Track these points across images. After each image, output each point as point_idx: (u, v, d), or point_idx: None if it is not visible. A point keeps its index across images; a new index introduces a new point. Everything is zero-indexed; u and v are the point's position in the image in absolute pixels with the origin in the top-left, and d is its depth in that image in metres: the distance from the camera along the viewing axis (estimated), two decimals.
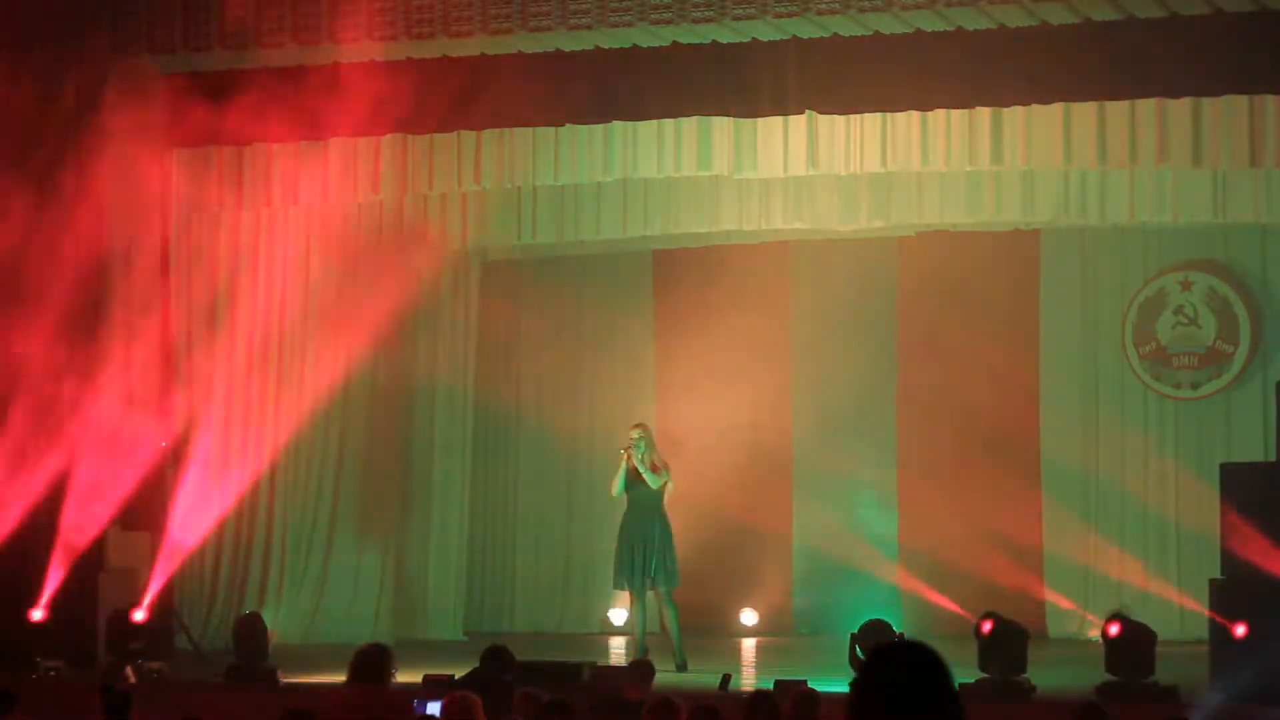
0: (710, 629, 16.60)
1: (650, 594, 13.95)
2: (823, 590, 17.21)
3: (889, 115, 13.49)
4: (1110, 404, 16.51)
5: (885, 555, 17.10)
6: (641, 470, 13.85)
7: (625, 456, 13.94)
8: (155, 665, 13.30)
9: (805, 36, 13.21)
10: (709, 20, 12.92)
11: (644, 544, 13.84)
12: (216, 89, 14.57)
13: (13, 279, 14.51)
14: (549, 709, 8.05)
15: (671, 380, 17.66)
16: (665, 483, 13.91)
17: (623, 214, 15.68)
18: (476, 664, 9.86)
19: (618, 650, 15.60)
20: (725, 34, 13.24)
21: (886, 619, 12.95)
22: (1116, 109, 12.97)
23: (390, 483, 16.60)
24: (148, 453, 14.38)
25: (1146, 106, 12.89)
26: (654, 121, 13.99)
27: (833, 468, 17.30)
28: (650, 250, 17.41)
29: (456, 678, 10.48)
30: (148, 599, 13.84)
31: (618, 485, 14.02)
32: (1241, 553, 11.86)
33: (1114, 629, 12.00)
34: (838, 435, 17.28)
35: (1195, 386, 16.23)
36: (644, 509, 13.91)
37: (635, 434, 14.03)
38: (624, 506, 14.07)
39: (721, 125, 13.87)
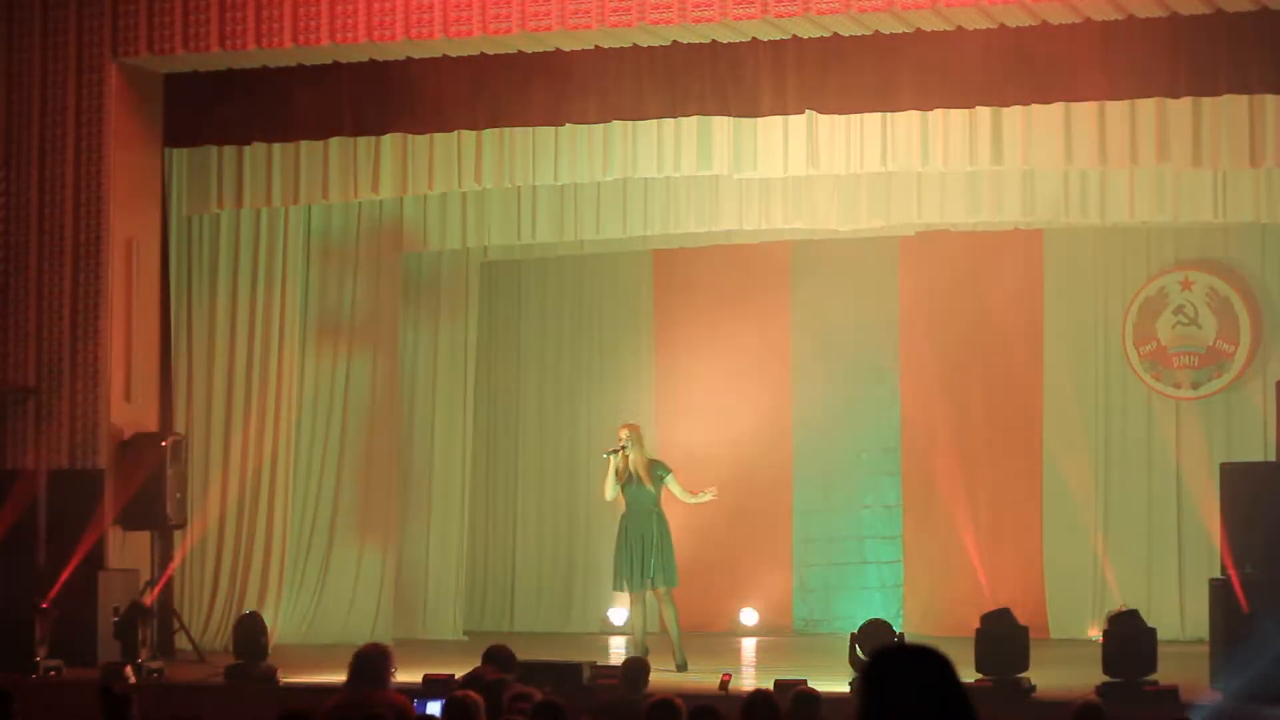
0: (710, 629, 16.60)
1: (650, 594, 13.96)
2: (823, 590, 17.21)
3: (889, 115, 13.48)
4: (1111, 403, 16.50)
5: (886, 555, 17.10)
6: (680, 495, 13.90)
7: (616, 459, 13.90)
8: (155, 665, 13.30)
9: (805, 36, 13.21)
10: (709, 20, 12.92)
11: (642, 544, 13.83)
12: (216, 89, 14.58)
13: (12, 278, 14.53)
14: (540, 709, 8.04)
15: (672, 380, 17.65)
16: (678, 488, 13.97)
17: (623, 214, 15.69)
18: (476, 664, 9.84)
19: (618, 650, 15.58)
20: (725, 34, 13.24)
21: (887, 619, 12.95)
22: (1116, 109, 12.97)
23: (390, 483, 16.59)
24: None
25: (1146, 106, 12.89)
26: (654, 121, 13.98)
27: (833, 466, 17.30)
28: (650, 250, 17.40)
29: (456, 678, 10.48)
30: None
31: (610, 489, 13.98)
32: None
33: (1114, 628, 12.02)
34: (838, 434, 17.28)
35: (1195, 386, 16.23)
36: (641, 509, 13.91)
37: (624, 435, 14.02)
38: (622, 507, 14.07)
39: (721, 125, 13.87)
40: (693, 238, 16.39)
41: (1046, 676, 12.29)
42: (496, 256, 17.49)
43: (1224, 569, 11.98)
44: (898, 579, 16.99)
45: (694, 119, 13.86)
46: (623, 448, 13.90)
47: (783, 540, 17.33)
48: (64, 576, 13.88)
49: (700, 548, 16.39)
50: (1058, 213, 14.87)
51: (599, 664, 12.48)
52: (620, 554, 13.93)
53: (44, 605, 13.48)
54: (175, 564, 14.70)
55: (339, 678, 9.02)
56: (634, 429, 14.10)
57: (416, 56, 13.93)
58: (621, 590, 14.16)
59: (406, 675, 10.43)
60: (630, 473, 13.91)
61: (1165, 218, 14.85)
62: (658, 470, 13.97)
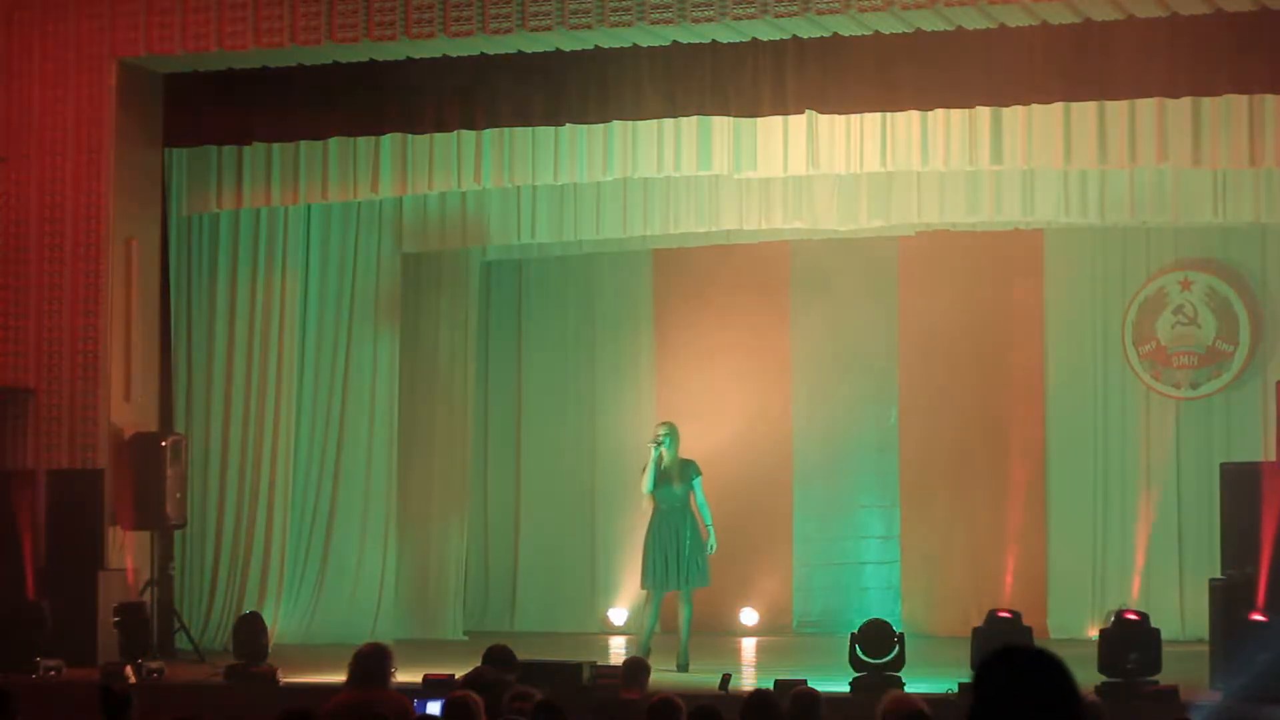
0: (710, 629, 16.59)
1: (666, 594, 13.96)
2: (823, 590, 17.21)
3: (889, 115, 13.48)
4: (1111, 403, 16.50)
5: (886, 555, 17.10)
6: (699, 499, 13.86)
7: (656, 452, 13.87)
8: (155, 665, 13.30)
9: (805, 36, 13.21)
10: (709, 20, 12.92)
11: (677, 543, 13.81)
12: (216, 89, 14.58)
13: (12, 278, 14.53)
14: (540, 709, 8.04)
15: (671, 380, 17.64)
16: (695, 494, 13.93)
17: (623, 214, 15.69)
18: (476, 664, 9.84)
19: (618, 650, 15.59)
20: (725, 34, 13.24)
21: (886, 619, 12.94)
22: (1116, 109, 12.97)
23: (390, 483, 16.59)
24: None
25: (1146, 106, 12.88)
26: (654, 121, 13.98)
27: (833, 466, 17.29)
28: (650, 250, 17.40)
29: (456, 678, 10.47)
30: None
31: (648, 481, 13.93)
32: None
33: (1113, 628, 12.01)
34: (839, 434, 17.27)
35: (1195, 386, 16.22)
36: (673, 509, 13.87)
37: (662, 431, 14.00)
38: (650, 507, 14.02)
39: (721, 125, 13.87)
40: (693, 238, 16.38)
41: None
42: (496, 256, 17.50)
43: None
44: (897, 579, 16.99)
45: (694, 119, 13.86)
46: (659, 441, 13.89)
47: (783, 540, 17.32)
48: (59, 575, 13.89)
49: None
50: (1058, 213, 14.87)
51: (599, 664, 12.47)
52: (652, 555, 13.85)
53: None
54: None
55: (339, 678, 9.02)
56: (671, 426, 14.09)
57: (416, 56, 13.92)
58: (648, 589, 14.08)
59: (406, 675, 10.42)
60: (665, 470, 13.90)
61: (1165, 218, 14.85)
62: (689, 471, 13.96)
